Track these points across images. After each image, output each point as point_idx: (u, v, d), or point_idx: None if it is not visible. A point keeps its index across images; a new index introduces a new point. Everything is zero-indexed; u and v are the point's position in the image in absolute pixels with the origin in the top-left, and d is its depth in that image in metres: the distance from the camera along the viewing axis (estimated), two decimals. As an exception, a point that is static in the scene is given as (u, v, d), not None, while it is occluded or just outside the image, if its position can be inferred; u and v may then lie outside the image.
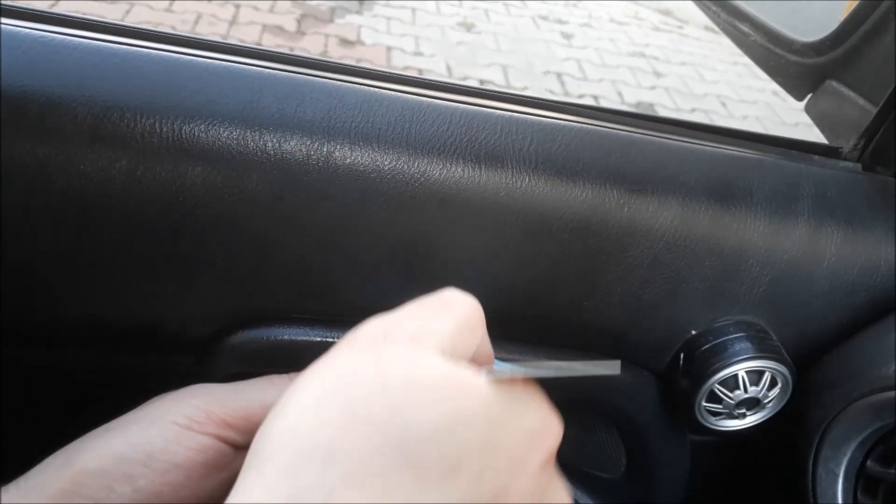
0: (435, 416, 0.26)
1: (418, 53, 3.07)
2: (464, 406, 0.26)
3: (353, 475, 0.24)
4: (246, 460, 0.27)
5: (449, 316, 0.31)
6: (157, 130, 0.39)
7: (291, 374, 0.36)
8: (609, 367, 0.31)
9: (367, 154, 0.41)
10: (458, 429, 0.26)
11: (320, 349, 0.45)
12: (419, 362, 0.28)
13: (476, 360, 0.33)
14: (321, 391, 0.27)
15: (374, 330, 0.30)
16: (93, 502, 0.30)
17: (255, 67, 0.42)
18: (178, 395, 0.34)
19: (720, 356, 0.47)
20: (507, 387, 0.28)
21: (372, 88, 0.43)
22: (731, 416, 0.50)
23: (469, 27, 3.41)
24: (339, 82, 0.43)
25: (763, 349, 0.47)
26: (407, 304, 0.32)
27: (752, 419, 0.50)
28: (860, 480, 0.47)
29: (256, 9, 3.04)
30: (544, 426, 0.29)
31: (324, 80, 0.43)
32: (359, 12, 3.26)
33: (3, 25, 0.40)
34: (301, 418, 0.26)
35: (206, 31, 2.76)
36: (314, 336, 0.45)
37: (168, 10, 2.83)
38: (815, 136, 0.59)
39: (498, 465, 0.26)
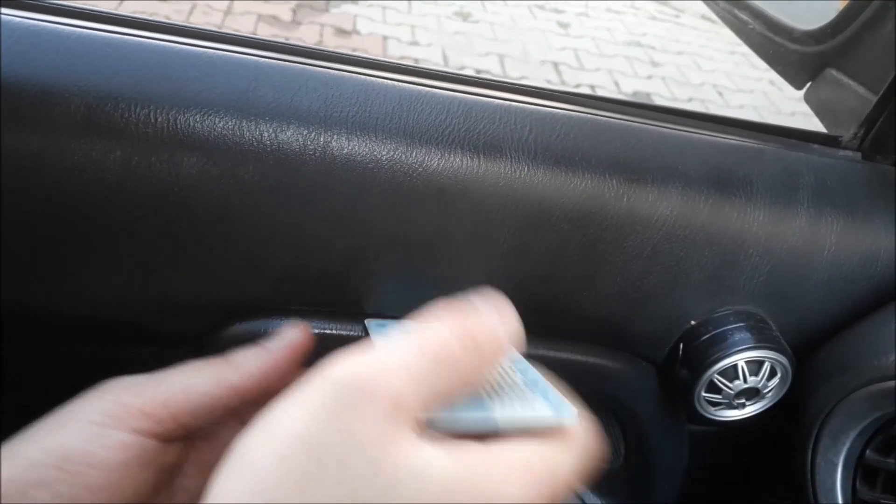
0: None
1: (414, 43, 3.05)
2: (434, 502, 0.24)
3: None
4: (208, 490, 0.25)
5: (438, 367, 0.27)
6: (152, 120, 0.38)
7: (215, 362, 0.35)
8: (568, 420, 0.31)
9: (364, 144, 0.40)
10: None
11: (317, 341, 0.44)
12: (392, 446, 0.25)
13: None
14: (281, 462, 0.24)
15: (351, 382, 0.26)
16: None
17: (250, 57, 0.42)
18: (93, 393, 0.33)
19: (720, 346, 0.47)
20: (481, 467, 0.26)
21: (369, 77, 0.43)
22: (731, 407, 0.49)
23: (465, 16, 3.39)
24: (336, 71, 0.43)
25: (762, 339, 0.47)
26: (399, 340, 0.28)
27: (751, 409, 0.50)
28: (859, 470, 0.47)
29: (251, -2, 3.02)
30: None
31: (320, 69, 0.43)
32: (354, 1, 3.25)
33: (-6, 14, 0.39)
34: (257, 486, 0.24)
35: (200, 21, 2.74)
36: (311, 328, 0.45)
37: (162, -1, 2.82)
38: (812, 125, 0.59)
39: None
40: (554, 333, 0.49)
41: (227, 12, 2.87)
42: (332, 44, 2.87)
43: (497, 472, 0.26)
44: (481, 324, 0.30)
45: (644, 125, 0.46)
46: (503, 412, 0.31)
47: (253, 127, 0.39)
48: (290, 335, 0.37)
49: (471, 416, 0.30)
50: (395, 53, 2.93)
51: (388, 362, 0.26)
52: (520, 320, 0.34)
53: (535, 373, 0.36)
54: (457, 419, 0.29)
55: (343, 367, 0.26)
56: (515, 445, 0.28)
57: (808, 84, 0.61)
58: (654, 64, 3.41)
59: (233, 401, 0.34)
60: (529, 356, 0.48)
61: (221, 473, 0.25)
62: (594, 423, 0.33)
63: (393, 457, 0.24)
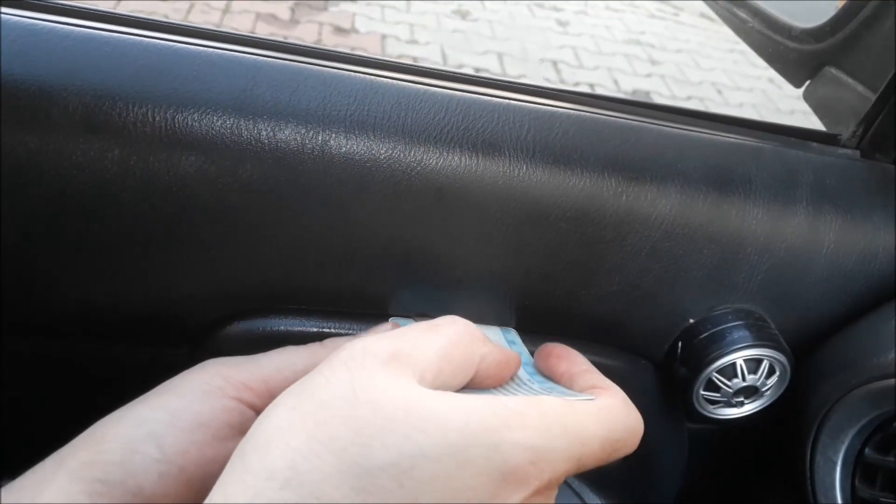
0: (396, 450, 0.25)
1: (413, 41, 3.05)
2: (428, 441, 0.25)
3: (307, 500, 0.24)
4: (228, 464, 0.26)
5: (435, 337, 0.30)
6: (150, 119, 0.38)
7: (309, 346, 0.37)
8: (583, 398, 0.31)
9: (362, 143, 0.40)
10: (418, 464, 0.25)
11: (316, 340, 0.44)
12: (390, 388, 0.27)
13: (478, 379, 0.32)
14: (293, 410, 0.27)
15: (355, 347, 0.29)
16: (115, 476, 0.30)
17: (249, 55, 0.42)
18: (194, 369, 0.35)
19: (718, 344, 0.47)
20: (484, 418, 0.26)
21: (367, 76, 0.43)
22: (729, 405, 0.50)
23: (464, 15, 3.39)
24: (334, 70, 0.43)
25: (761, 337, 0.47)
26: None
27: (750, 407, 0.50)
28: (858, 468, 0.47)
29: (250, -3, 3.02)
30: (522, 467, 0.26)
31: (319, 67, 0.42)
32: (353, 0, 3.24)
33: (-8, 13, 0.39)
34: (271, 437, 0.26)
35: (199, 20, 2.74)
36: (310, 327, 0.45)
37: (160, -2, 2.81)
38: (810, 123, 0.59)
39: None
40: (552, 332, 0.49)
41: (226, 11, 2.87)
42: (330, 42, 2.87)
43: (502, 414, 0.27)
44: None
45: (643, 124, 0.46)
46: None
47: (251, 126, 0.39)
48: (384, 328, 0.40)
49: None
50: (393, 52, 2.92)
51: (385, 334, 0.30)
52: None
53: (549, 382, 0.36)
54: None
55: (347, 343, 0.30)
56: (530, 397, 0.28)
57: (807, 82, 0.61)
58: (654, 62, 3.41)
59: None
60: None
61: (256, 421, 0.27)
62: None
63: (390, 397, 0.26)
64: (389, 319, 0.44)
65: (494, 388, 0.34)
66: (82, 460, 0.30)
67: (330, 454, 0.25)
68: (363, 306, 0.45)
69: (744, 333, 0.47)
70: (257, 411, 0.33)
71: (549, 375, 0.38)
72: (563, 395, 0.33)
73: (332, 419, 0.26)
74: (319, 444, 0.25)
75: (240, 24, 2.81)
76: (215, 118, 0.39)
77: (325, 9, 3.13)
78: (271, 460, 0.25)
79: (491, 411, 0.27)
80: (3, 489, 0.29)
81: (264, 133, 0.39)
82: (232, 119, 0.39)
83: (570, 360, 0.38)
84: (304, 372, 0.33)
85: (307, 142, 0.40)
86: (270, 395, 0.34)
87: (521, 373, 0.37)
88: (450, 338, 0.31)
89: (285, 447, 0.25)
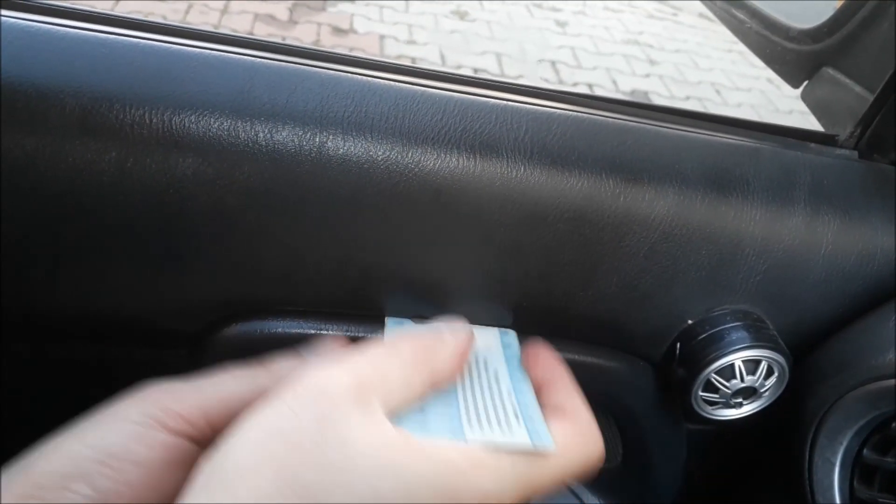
0: (368, 491, 0.25)
1: (411, 42, 3.05)
2: (394, 491, 0.26)
3: None
4: (185, 493, 0.26)
5: (395, 361, 0.31)
6: (147, 121, 0.38)
7: (253, 371, 0.36)
8: (541, 448, 0.32)
9: (360, 144, 0.40)
10: None
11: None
12: (359, 428, 0.27)
13: (438, 383, 0.34)
14: (258, 441, 0.26)
15: (320, 376, 0.29)
16: None
17: (246, 57, 0.42)
18: (133, 396, 0.34)
19: (716, 345, 0.47)
20: (446, 469, 0.28)
21: (365, 78, 0.43)
22: (728, 406, 0.49)
23: (463, 15, 3.39)
24: (332, 71, 0.43)
25: (759, 338, 0.47)
26: (357, 347, 0.32)
27: (748, 408, 0.50)
28: (857, 469, 0.47)
29: (248, -3, 3.02)
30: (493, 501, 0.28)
31: (316, 69, 0.42)
32: (351, 0, 3.24)
33: (-12, 15, 0.39)
34: (235, 468, 0.26)
35: (197, 21, 2.74)
36: (308, 329, 0.45)
37: (159, -2, 2.81)
38: (809, 123, 0.59)
39: None
40: (550, 333, 0.48)
41: (224, 11, 2.87)
42: (329, 43, 2.87)
43: (462, 467, 0.28)
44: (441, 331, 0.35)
45: (641, 125, 0.46)
46: (475, 432, 0.32)
47: (248, 127, 0.39)
48: (326, 345, 0.39)
49: (440, 430, 0.31)
50: (392, 52, 2.92)
51: (348, 360, 0.30)
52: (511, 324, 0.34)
53: (530, 397, 0.37)
54: (426, 428, 0.31)
55: (310, 370, 0.30)
56: (490, 453, 0.30)
57: (805, 83, 0.61)
58: (652, 62, 3.42)
59: None
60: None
61: (206, 463, 0.27)
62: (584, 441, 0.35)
63: (359, 438, 0.27)
64: (386, 321, 0.44)
65: (471, 388, 0.36)
66: (16, 495, 0.29)
67: (300, 493, 0.25)
68: (361, 308, 0.45)
69: (742, 334, 0.47)
70: (197, 443, 0.33)
71: (529, 375, 0.39)
72: (530, 422, 0.34)
73: (301, 456, 0.26)
74: (288, 481, 0.25)
75: (238, 24, 2.81)
76: (212, 120, 0.39)
77: (324, 9, 3.13)
78: (238, 493, 0.25)
79: (452, 462, 0.28)
80: None
81: (261, 135, 0.39)
82: (229, 121, 0.39)
83: (552, 369, 0.39)
84: (246, 401, 0.34)
85: (304, 143, 0.40)
86: (209, 425, 0.33)
87: (505, 383, 0.38)
88: (409, 359, 0.32)
89: (253, 480, 0.25)
